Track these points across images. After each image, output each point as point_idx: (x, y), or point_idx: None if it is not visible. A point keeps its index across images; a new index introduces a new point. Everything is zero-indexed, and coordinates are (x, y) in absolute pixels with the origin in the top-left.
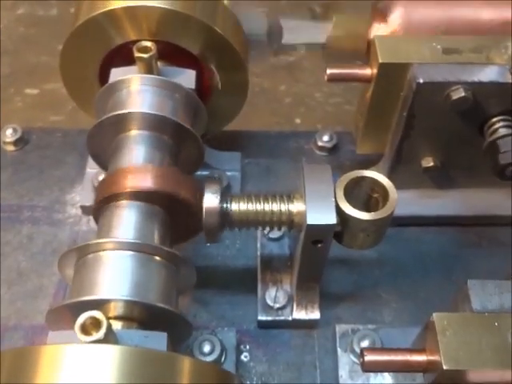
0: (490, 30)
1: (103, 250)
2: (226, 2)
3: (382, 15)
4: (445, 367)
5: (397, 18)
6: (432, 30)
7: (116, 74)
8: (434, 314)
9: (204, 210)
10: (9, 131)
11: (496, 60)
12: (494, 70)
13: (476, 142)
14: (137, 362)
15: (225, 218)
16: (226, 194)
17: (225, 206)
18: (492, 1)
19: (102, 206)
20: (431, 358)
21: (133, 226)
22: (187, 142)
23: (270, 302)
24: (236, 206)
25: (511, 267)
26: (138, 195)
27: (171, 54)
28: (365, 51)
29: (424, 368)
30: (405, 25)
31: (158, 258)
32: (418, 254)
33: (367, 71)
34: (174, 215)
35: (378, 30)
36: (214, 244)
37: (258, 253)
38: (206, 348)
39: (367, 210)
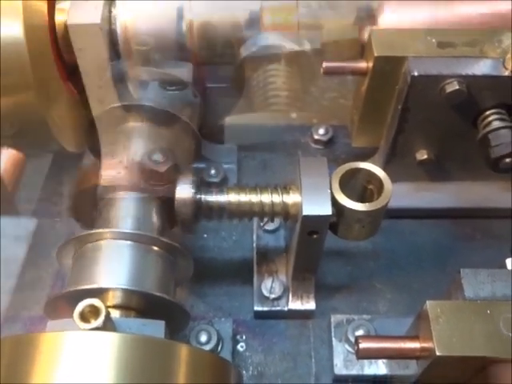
0: (479, 27)
1: (102, 240)
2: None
3: (373, 17)
4: (438, 353)
5: (386, 19)
6: None
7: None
8: (428, 302)
9: (176, 200)
10: None
11: (490, 53)
12: (488, 63)
13: (470, 134)
14: (135, 349)
15: (198, 209)
16: (200, 185)
17: (199, 196)
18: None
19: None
20: (424, 344)
21: (131, 217)
22: (185, 135)
23: (266, 293)
24: (232, 198)
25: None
26: (135, 188)
27: None
28: (360, 54)
29: (417, 355)
30: (394, 26)
31: (156, 248)
32: (413, 246)
33: (363, 64)
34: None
35: None
36: (210, 235)
37: (254, 244)
38: (203, 338)
39: (362, 201)
